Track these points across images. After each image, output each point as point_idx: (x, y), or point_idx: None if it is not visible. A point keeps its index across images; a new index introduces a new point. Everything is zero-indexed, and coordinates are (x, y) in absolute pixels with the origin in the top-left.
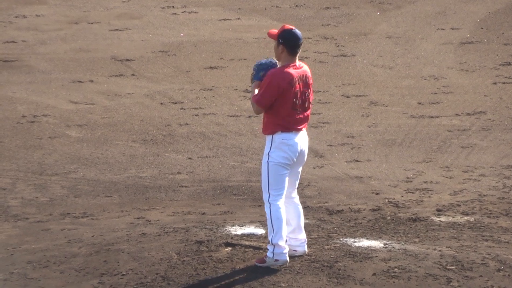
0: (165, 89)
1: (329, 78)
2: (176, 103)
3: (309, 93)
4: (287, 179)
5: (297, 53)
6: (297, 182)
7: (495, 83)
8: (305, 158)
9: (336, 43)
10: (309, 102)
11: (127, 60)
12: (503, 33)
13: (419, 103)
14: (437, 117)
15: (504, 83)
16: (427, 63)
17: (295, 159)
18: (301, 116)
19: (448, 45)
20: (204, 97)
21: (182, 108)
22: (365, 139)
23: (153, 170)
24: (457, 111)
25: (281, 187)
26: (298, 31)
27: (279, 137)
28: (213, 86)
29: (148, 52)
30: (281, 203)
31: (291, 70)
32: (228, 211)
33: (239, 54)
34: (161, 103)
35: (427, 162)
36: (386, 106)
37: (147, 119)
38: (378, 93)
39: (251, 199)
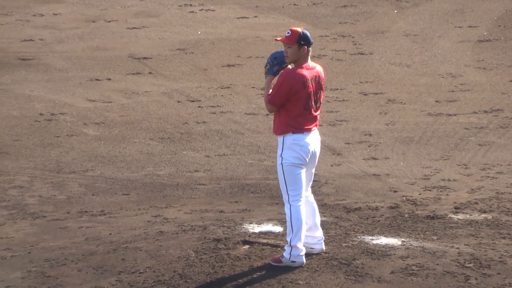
0: (183, 87)
1: (347, 76)
2: (193, 101)
3: (321, 93)
4: (303, 177)
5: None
6: (311, 183)
7: None
8: (317, 159)
9: (353, 41)
10: (321, 103)
11: (145, 58)
12: None
13: (437, 101)
14: (455, 115)
15: None
16: (445, 61)
17: (307, 159)
18: (312, 116)
19: (466, 43)
20: (222, 95)
21: (199, 106)
22: (383, 136)
23: (171, 168)
24: (474, 109)
25: (299, 187)
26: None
27: (290, 138)
28: (230, 84)
29: (166, 50)
30: (302, 203)
31: (304, 71)
32: (246, 209)
33: (256, 52)
34: (179, 101)
35: (445, 159)
36: (404, 104)
37: (164, 117)
38: (395, 91)
39: (269, 197)
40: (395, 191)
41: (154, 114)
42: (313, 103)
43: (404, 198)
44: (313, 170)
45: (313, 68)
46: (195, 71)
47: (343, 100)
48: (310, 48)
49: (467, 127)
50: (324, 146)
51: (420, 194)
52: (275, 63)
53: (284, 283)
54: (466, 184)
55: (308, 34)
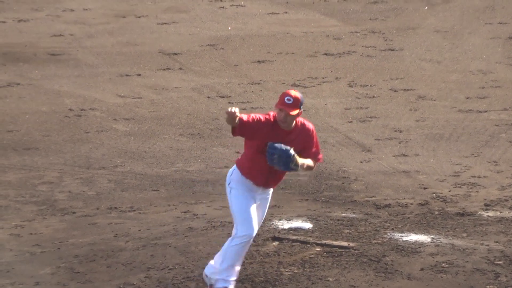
0: (213, 83)
1: (377, 73)
2: (223, 97)
3: None
4: None
5: None
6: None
7: None
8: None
9: (384, 37)
10: None
11: (175, 54)
12: None
13: (467, 98)
14: (485, 111)
15: None
16: (475, 57)
17: None
18: None
19: (496, 39)
20: (252, 91)
21: (229, 102)
22: (413, 133)
23: (200, 164)
24: (505, 106)
25: None
26: None
27: None
28: (260, 80)
29: (196, 45)
30: None
31: None
32: (275, 205)
33: (286, 48)
34: (209, 97)
35: (475, 156)
36: (434, 100)
37: (194, 113)
38: (426, 88)
39: (299, 193)
40: (425, 188)
41: (184, 110)
42: None
43: (434, 195)
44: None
45: None
46: (225, 67)
47: (373, 97)
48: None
49: (498, 124)
50: (354, 142)
51: (450, 191)
52: (288, 160)
53: (313, 279)
54: (496, 181)
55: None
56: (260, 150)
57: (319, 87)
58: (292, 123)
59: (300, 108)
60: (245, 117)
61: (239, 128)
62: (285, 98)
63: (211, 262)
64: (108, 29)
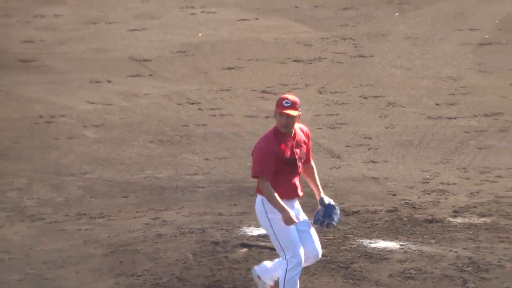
0: (183, 89)
1: (347, 79)
2: (193, 103)
3: None
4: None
5: None
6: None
7: None
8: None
9: (354, 44)
10: None
11: (145, 60)
12: None
13: (437, 104)
14: (455, 118)
15: None
16: (445, 64)
17: None
18: None
19: (467, 46)
20: (222, 98)
21: (199, 109)
22: (382, 140)
23: (170, 171)
24: (474, 112)
25: None
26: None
27: None
28: (230, 87)
29: (166, 52)
30: None
31: None
32: (245, 212)
33: (257, 54)
34: (179, 104)
35: (444, 163)
36: (404, 107)
37: (164, 120)
38: (396, 94)
39: None
40: (394, 195)
41: (154, 116)
42: None
43: (403, 201)
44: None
45: None
46: (196, 73)
47: (343, 103)
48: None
49: (467, 131)
50: (324, 149)
51: (419, 197)
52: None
53: None
54: (465, 188)
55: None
56: (279, 169)
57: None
58: (293, 126)
59: (299, 110)
60: (267, 169)
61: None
62: (283, 102)
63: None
64: (79, 36)
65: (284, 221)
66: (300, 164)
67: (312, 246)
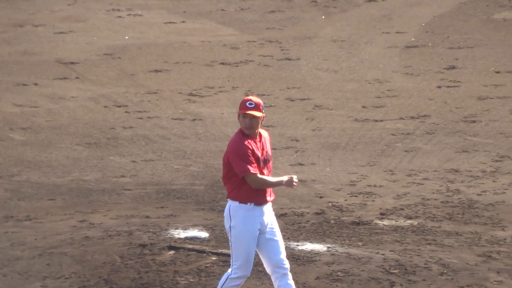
0: (110, 92)
1: (274, 82)
2: (120, 106)
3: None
4: None
5: None
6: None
7: (439, 87)
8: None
9: (281, 47)
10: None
11: (72, 63)
12: (448, 37)
13: (364, 107)
14: (381, 120)
15: (448, 86)
16: (372, 66)
17: None
18: None
19: (393, 48)
20: (149, 100)
21: (126, 112)
22: (309, 142)
23: (97, 173)
24: (401, 115)
25: None
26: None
27: None
28: (157, 90)
29: (93, 55)
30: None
31: None
32: (172, 214)
33: (184, 57)
34: (105, 106)
35: (371, 165)
36: (331, 109)
37: (91, 122)
38: (322, 97)
39: (195, 203)
40: (321, 197)
41: (80, 119)
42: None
43: (330, 204)
44: None
45: None
46: (122, 76)
47: (270, 106)
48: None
49: (394, 133)
50: None
51: (346, 200)
52: None
53: None
54: (392, 190)
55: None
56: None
57: (216, 97)
58: (258, 127)
59: (263, 112)
60: (251, 163)
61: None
62: (247, 103)
63: None
64: (5, 38)
65: (286, 183)
66: (271, 164)
67: (277, 257)
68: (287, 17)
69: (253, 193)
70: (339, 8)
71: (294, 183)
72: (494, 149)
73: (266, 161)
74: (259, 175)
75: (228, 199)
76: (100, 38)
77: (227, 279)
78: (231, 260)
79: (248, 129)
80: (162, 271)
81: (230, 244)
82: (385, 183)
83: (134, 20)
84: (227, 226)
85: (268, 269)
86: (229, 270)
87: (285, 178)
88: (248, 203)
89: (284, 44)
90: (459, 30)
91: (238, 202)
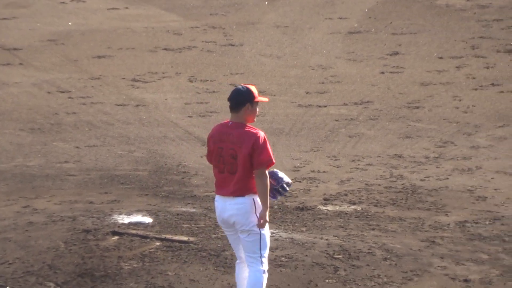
0: (53, 78)
1: (217, 68)
2: (63, 92)
3: (236, 156)
4: (232, 239)
5: (231, 111)
6: (247, 252)
7: (382, 73)
8: (243, 227)
9: (224, 33)
10: (238, 166)
11: (15, 49)
12: (391, 23)
13: (307, 93)
14: (325, 106)
15: (391, 72)
16: (315, 52)
17: (221, 224)
18: (224, 179)
19: (336, 34)
20: (92, 86)
21: (69, 97)
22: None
23: (40, 159)
24: (344, 101)
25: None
26: (235, 89)
27: None
28: (100, 75)
29: (36, 41)
30: (237, 262)
31: (218, 126)
32: (115, 200)
33: (127, 43)
34: (49, 92)
35: (315, 151)
36: (274, 95)
37: (34, 108)
38: (266, 82)
39: (139, 188)
40: None
41: (24, 105)
42: (223, 162)
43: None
44: (243, 237)
45: (231, 126)
46: (66, 62)
47: (213, 92)
48: (233, 108)
49: (337, 119)
50: (194, 137)
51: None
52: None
53: (153, 274)
54: (336, 176)
55: (232, 90)
56: None
57: (159, 82)
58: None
59: None
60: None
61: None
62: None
63: None
64: None
65: (261, 216)
66: None
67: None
68: (230, 3)
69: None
70: None
71: (264, 223)
72: (437, 135)
73: None
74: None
75: (250, 194)
76: (43, 24)
77: (263, 276)
78: (258, 255)
79: (255, 118)
80: (106, 257)
81: (256, 237)
82: (328, 168)
83: (77, 6)
84: (253, 220)
85: (244, 256)
86: (261, 267)
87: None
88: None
89: (228, 30)
90: (402, 16)
91: (256, 194)
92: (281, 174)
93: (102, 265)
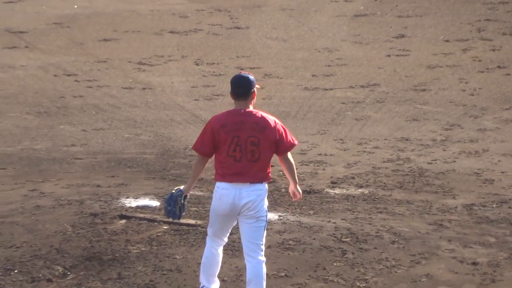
0: (59, 61)
1: (223, 51)
2: (70, 75)
3: (259, 142)
4: (225, 226)
5: (239, 98)
6: (251, 239)
7: (389, 56)
8: (254, 213)
9: (230, 15)
10: (260, 153)
11: (21, 32)
12: (396, 6)
13: (313, 76)
14: (331, 89)
15: (397, 55)
16: (321, 35)
17: (226, 212)
18: (241, 167)
19: (342, 17)
20: (98, 69)
21: (76, 80)
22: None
23: (47, 142)
24: (351, 84)
25: (213, 230)
26: (241, 76)
27: (217, 185)
28: (107, 58)
29: (42, 24)
30: (214, 245)
31: (226, 114)
32: (123, 184)
33: (132, 26)
34: (55, 75)
35: (322, 134)
36: (281, 78)
37: (41, 91)
38: (272, 66)
39: (146, 171)
40: (272, 166)
41: (30, 88)
42: (239, 150)
43: (281, 172)
44: (250, 223)
45: (244, 114)
46: (72, 45)
47: (220, 75)
48: (240, 96)
49: (344, 102)
50: (201, 120)
51: (297, 168)
52: (171, 203)
53: (161, 257)
54: (343, 159)
55: (232, 80)
56: None
57: (166, 65)
58: None
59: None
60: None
61: None
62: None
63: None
64: None
65: (298, 191)
66: None
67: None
68: None
69: None
70: None
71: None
72: (444, 117)
73: None
74: None
75: (264, 182)
76: (49, 8)
77: (264, 267)
78: (261, 243)
79: None
80: (114, 240)
81: (264, 225)
82: (335, 151)
83: None
84: (264, 206)
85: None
86: (260, 257)
87: None
88: None
89: (233, 12)
90: None
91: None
92: (167, 198)
93: (109, 248)
